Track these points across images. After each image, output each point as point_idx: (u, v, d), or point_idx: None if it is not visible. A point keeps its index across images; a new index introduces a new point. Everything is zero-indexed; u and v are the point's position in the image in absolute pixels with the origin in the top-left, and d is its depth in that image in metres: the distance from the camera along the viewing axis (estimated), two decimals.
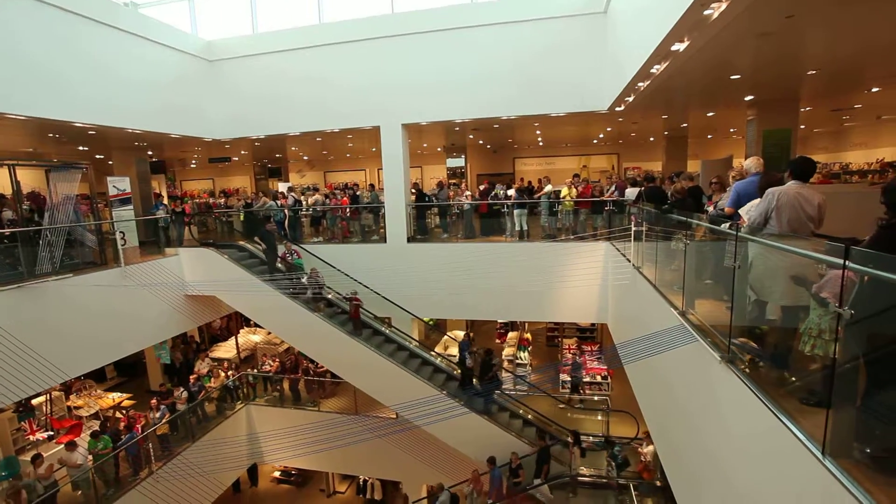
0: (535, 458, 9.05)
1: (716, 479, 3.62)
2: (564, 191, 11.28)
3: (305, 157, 23.32)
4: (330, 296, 10.90)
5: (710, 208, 5.67)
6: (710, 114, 12.86)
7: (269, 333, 15.61)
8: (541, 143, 19.57)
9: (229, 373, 12.89)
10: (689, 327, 4.07)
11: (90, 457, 8.63)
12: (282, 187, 16.09)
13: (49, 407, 12.50)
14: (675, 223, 5.58)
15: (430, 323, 14.92)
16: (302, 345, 11.05)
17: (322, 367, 12.50)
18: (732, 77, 7.96)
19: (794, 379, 2.92)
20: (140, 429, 9.70)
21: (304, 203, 13.21)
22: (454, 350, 13.68)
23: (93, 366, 9.10)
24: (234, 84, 11.89)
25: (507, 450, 9.25)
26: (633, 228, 7.35)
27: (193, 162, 21.45)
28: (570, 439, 9.22)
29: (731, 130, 16.46)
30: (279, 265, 10.62)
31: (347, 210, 12.36)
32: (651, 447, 8.56)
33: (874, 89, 10.09)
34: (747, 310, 3.48)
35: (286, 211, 12.09)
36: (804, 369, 2.76)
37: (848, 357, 2.25)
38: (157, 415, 10.21)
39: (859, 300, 2.12)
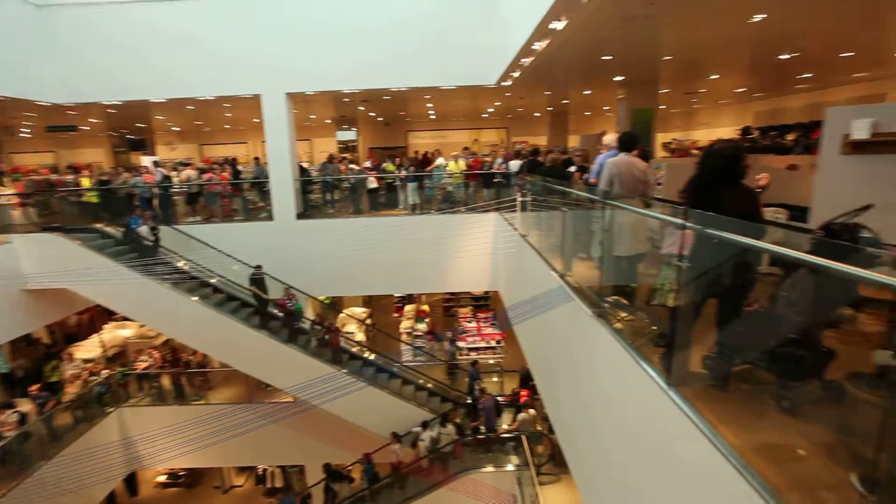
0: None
1: (588, 417, 4.07)
2: (451, 165, 11.49)
3: (176, 128, 20.75)
4: (213, 281, 10.04)
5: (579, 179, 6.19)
6: (587, 92, 13.92)
7: (143, 326, 13.95)
8: (433, 117, 19.62)
9: (92, 377, 11.28)
10: (567, 288, 4.43)
11: None
12: (146, 161, 14.18)
13: None
14: (547, 191, 6.04)
15: (327, 301, 14.52)
16: (184, 335, 10.04)
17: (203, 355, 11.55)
18: (604, 58, 8.66)
19: (647, 327, 3.34)
20: None
21: (174, 179, 11.82)
22: (351, 326, 13.50)
23: None
24: (77, 37, 9.91)
25: (409, 420, 9.46)
26: (519, 199, 7.75)
27: (26, 131, 17.83)
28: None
29: (605, 108, 17.99)
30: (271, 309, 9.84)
31: (228, 186, 11.30)
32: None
33: (713, 76, 11.69)
34: (611, 270, 3.89)
35: (154, 189, 10.71)
36: (657, 318, 3.17)
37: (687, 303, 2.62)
38: None
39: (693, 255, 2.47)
